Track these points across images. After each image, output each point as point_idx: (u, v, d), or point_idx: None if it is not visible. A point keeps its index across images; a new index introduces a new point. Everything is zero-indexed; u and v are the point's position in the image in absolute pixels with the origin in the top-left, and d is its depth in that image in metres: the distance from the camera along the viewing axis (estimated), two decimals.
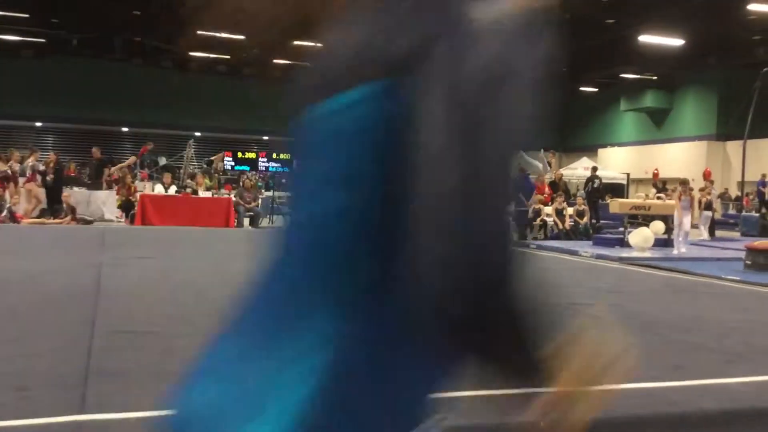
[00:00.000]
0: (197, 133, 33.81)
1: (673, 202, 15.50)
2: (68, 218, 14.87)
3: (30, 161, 15.97)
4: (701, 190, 17.58)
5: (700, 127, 31.86)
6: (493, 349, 0.71)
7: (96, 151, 17.83)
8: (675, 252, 12.07)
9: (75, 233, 12.27)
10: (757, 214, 20.48)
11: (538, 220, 15.78)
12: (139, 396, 3.06)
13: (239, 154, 40.36)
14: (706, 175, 22.23)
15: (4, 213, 14.27)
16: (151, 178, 19.99)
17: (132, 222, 15.05)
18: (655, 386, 3.60)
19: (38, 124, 34.76)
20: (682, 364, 4.13)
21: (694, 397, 3.44)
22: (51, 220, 14.66)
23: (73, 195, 15.80)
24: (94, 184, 16.84)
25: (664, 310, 6.17)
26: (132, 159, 19.78)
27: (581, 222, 16.10)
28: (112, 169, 18.36)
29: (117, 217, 16.07)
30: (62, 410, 2.82)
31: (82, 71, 32.29)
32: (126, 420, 2.76)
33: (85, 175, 18.21)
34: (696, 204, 14.95)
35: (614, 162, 34.52)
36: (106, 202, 16.37)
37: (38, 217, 14.88)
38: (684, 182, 13.08)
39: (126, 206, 15.87)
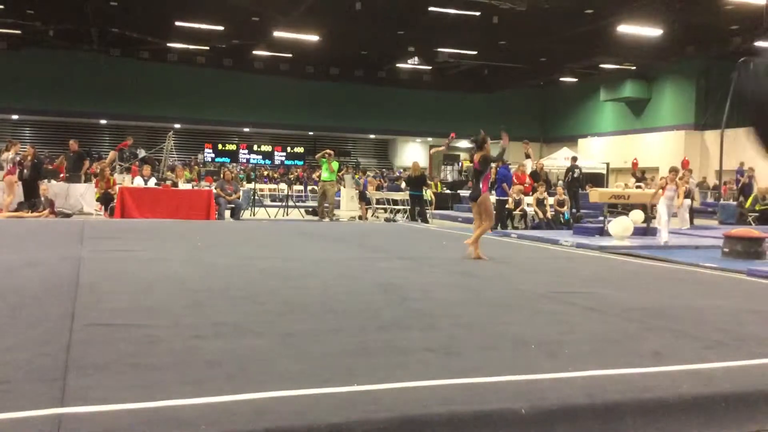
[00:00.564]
0: (177, 125, 33.53)
1: (652, 190, 15.58)
2: (46, 211, 14.73)
3: (10, 154, 15.79)
4: (680, 179, 17.75)
5: (678, 116, 32.16)
6: None
7: (73, 144, 17.61)
8: (662, 242, 11.80)
9: (53, 226, 12.15)
10: (735, 203, 20.73)
11: (518, 209, 15.88)
12: (119, 388, 3.05)
13: (220, 146, 40.18)
14: (685, 165, 22.48)
15: None
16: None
17: (111, 215, 14.93)
18: (633, 372, 3.65)
19: (15, 117, 34.30)
20: (661, 350, 4.18)
21: (672, 382, 3.49)
22: (29, 214, 14.50)
23: (52, 188, 15.65)
24: (73, 177, 16.66)
25: (643, 298, 6.24)
26: (112, 154, 19.60)
27: (561, 211, 16.22)
28: (95, 165, 18.16)
29: (96, 210, 15.93)
30: (42, 403, 2.79)
31: (58, 63, 31.89)
32: (107, 412, 2.74)
33: (66, 169, 17.98)
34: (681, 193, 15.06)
35: (594, 152, 34.77)
36: (84, 195, 16.21)
37: (15, 210, 14.70)
38: (674, 170, 12.91)
39: (105, 199, 15.74)
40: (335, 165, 17.70)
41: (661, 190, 12.52)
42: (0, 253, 7.74)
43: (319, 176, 20.43)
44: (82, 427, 2.56)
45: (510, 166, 15.95)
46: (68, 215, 15.05)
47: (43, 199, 14.96)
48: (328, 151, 17.77)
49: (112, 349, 3.74)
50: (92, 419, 2.66)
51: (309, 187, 29.20)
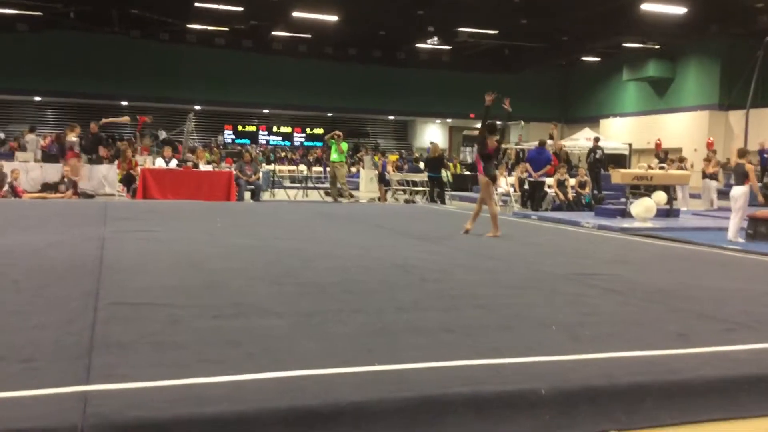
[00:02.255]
0: (197, 107, 33.60)
1: (682, 171, 15.20)
2: (69, 192, 14.89)
3: (72, 136, 16.11)
4: (705, 160, 17.52)
5: (702, 96, 31.62)
6: None
7: (94, 126, 17.77)
8: (736, 238, 9.72)
9: (77, 207, 12.28)
10: (759, 184, 20.41)
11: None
12: (143, 366, 3.09)
13: (239, 128, 40.22)
14: (709, 146, 22.14)
15: (6, 188, 14.28)
16: (150, 152, 19.94)
17: (133, 196, 15.06)
18: (656, 354, 3.63)
19: (37, 98, 34.56)
20: (684, 332, 4.15)
21: (695, 364, 3.46)
22: (52, 195, 14.68)
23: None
24: (97, 158, 16.81)
25: (666, 280, 6.18)
26: (125, 118, 19.69)
27: (583, 193, 16.07)
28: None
29: (118, 191, 16.07)
30: (68, 381, 2.84)
31: (79, 45, 32.04)
32: (131, 390, 2.78)
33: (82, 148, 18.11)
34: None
35: (616, 132, 34.36)
36: (107, 176, 16.36)
37: (39, 191, 14.90)
38: (745, 152, 10.81)
39: (127, 180, 15.87)
40: (344, 146, 17.73)
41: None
42: (25, 234, 7.85)
43: None
44: (107, 404, 2.60)
45: (545, 148, 15.81)
46: (91, 196, 15.21)
47: (66, 179, 15.13)
48: (336, 132, 17.78)
49: (136, 327, 3.78)
50: (117, 396, 2.70)
51: (328, 168, 29.19)
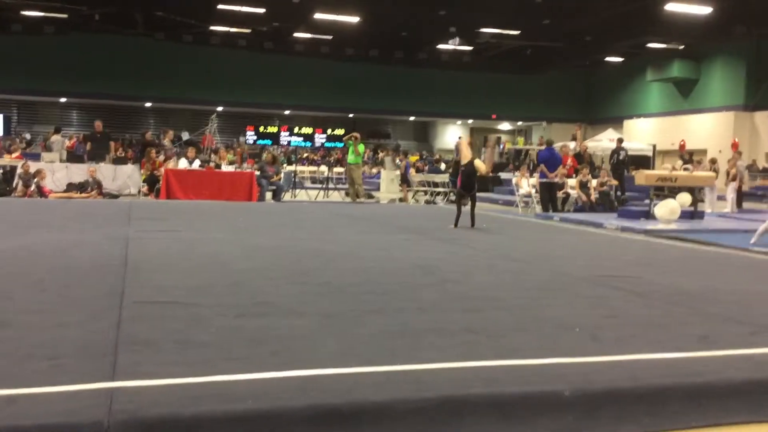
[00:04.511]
0: (219, 108, 33.83)
1: (710, 174, 15.00)
2: (94, 192, 15.07)
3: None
4: (728, 161, 17.29)
5: (727, 97, 31.21)
6: None
7: (99, 125, 18.08)
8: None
9: (101, 207, 12.43)
10: None
11: (561, 192, 15.67)
12: (168, 364, 3.13)
13: (261, 129, 40.34)
14: (734, 147, 21.84)
15: (32, 188, 14.49)
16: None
17: (157, 196, 15.21)
18: (679, 356, 3.60)
19: (62, 100, 35.00)
20: (708, 334, 4.11)
21: (719, 367, 3.43)
22: (78, 195, 14.88)
23: (99, 170, 16.00)
24: (120, 159, 17.02)
25: (690, 282, 6.12)
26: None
27: (611, 185, 15.91)
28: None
29: (142, 192, 16.25)
30: (94, 378, 2.88)
31: (104, 47, 32.41)
32: (155, 386, 2.82)
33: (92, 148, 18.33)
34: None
35: (640, 133, 34.02)
36: (131, 176, 16.54)
37: (65, 191, 15.11)
38: None
39: (151, 180, 16.02)
40: (361, 148, 17.82)
41: None
42: (51, 233, 7.97)
43: None
44: (133, 401, 2.64)
45: (554, 149, 15.71)
46: (115, 196, 15.39)
47: (91, 179, 15.33)
48: (354, 134, 17.85)
49: (160, 326, 3.83)
50: (142, 393, 2.74)
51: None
